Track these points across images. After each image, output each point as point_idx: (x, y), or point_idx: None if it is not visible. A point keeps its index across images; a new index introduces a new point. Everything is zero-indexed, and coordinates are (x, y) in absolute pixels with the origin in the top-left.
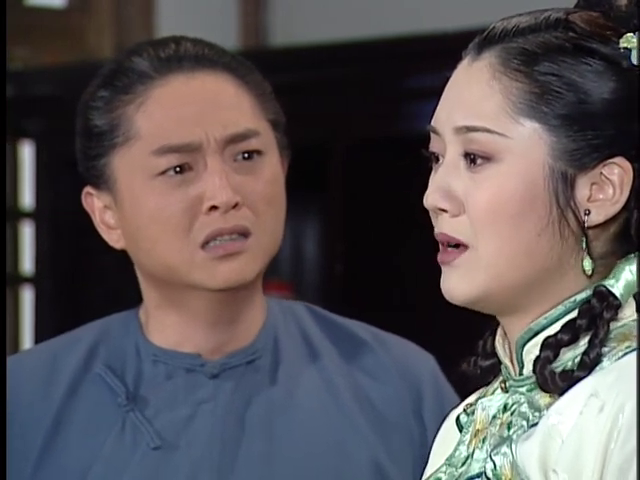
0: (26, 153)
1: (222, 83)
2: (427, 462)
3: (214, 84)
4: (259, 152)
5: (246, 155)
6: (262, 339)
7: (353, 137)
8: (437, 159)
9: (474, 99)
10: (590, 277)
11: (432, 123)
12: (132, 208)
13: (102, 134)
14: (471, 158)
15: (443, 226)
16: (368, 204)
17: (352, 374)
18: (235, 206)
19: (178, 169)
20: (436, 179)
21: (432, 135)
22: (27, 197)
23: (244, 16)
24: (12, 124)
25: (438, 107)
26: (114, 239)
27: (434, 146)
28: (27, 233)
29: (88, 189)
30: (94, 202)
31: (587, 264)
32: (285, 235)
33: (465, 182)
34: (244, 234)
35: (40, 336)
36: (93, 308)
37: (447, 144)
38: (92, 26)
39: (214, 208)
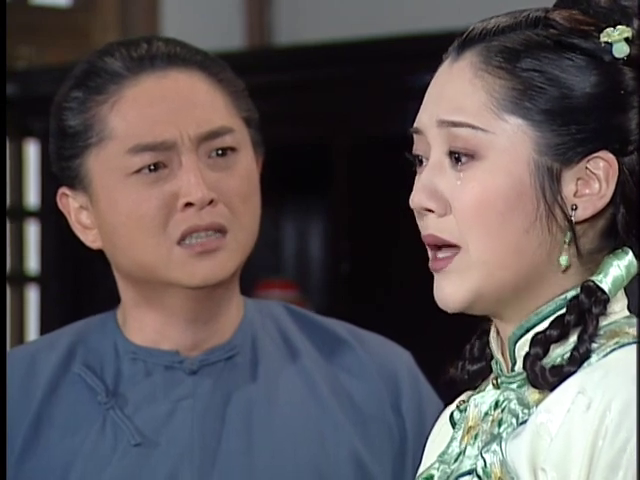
0: (31, 152)
1: (195, 81)
2: (420, 458)
3: (187, 82)
4: (233, 149)
5: (220, 152)
6: (240, 336)
7: (358, 136)
8: (421, 162)
9: (457, 96)
10: (565, 271)
11: (415, 125)
12: (108, 207)
13: (76, 134)
14: (456, 157)
15: (429, 226)
16: (373, 203)
17: (331, 371)
18: (210, 203)
19: (153, 167)
20: (422, 179)
21: (415, 137)
22: (32, 196)
23: (249, 15)
24: (17, 123)
25: (421, 109)
26: (90, 239)
27: (418, 148)
28: (32, 232)
29: (63, 190)
30: (69, 203)
31: (564, 259)
32: (290, 234)
33: (451, 181)
34: (220, 231)
35: None
36: (98, 307)
37: (431, 143)
38: (97, 25)
39: (189, 205)
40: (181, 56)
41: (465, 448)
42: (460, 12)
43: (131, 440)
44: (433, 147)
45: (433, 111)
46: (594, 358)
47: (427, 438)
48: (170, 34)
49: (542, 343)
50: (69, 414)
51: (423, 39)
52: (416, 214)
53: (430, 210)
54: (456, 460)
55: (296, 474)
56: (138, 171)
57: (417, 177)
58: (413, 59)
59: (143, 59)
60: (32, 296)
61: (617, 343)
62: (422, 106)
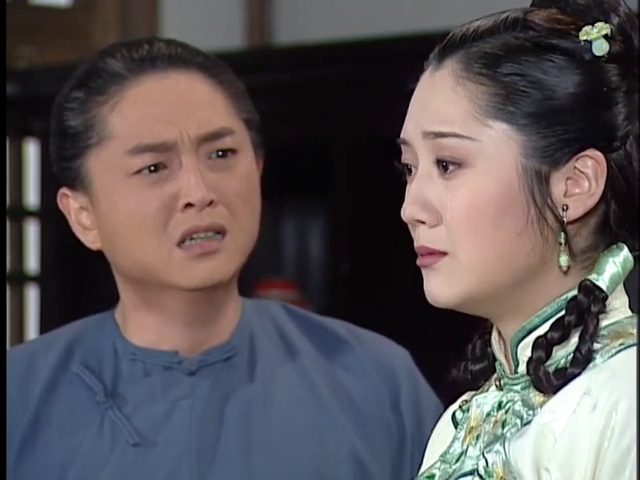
0: (31, 152)
1: (196, 82)
2: (421, 457)
3: (188, 83)
4: (233, 150)
5: (220, 153)
6: (238, 336)
7: (358, 136)
8: (410, 171)
9: (440, 106)
10: (566, 273)
11: (401, 135)
12: (108, 208)
13: (77, 135)
14: (443, 165)
15: (421, 238)
16: (373, 203)
17: (329, 370)
18: (210, 204)
19: (153, 168)
20: (412, 190)
21: (403, 147)
22: (32, 196)
23: (249, 14)
24: (17, 123)
25: (406, 119)
26: (90, 240)
27: (406, 158)
28: (32, 232)
29: (63, 190)
30: (70, 203)
31: (563, 260)
32: (290, 234)
33: (440, 190)
34: (220, 232)
35: None
36: (97, 307)
37: (418, 153)
38: (97, 25)
39: (189, 206)
40: (182, 57)
41: (467, 448)
42: (460, 12)
43: (129, 440)
44: (420, 157)
45: (418, 122)
46: (599, 359)
47: (428, 437)
48: (170, 34)
49: (544, 346)
50: (67, 413)
51: (423, 39)
52: (409, 225)
53: (422, 222)
54: (457, 460)
55: (295, 474)
56: (138, 172)
57: (407, 187)
58: (413, 59)
59: (144, 60)
60: (32, 296)
61: (622, 344)
62: (407, 116)
